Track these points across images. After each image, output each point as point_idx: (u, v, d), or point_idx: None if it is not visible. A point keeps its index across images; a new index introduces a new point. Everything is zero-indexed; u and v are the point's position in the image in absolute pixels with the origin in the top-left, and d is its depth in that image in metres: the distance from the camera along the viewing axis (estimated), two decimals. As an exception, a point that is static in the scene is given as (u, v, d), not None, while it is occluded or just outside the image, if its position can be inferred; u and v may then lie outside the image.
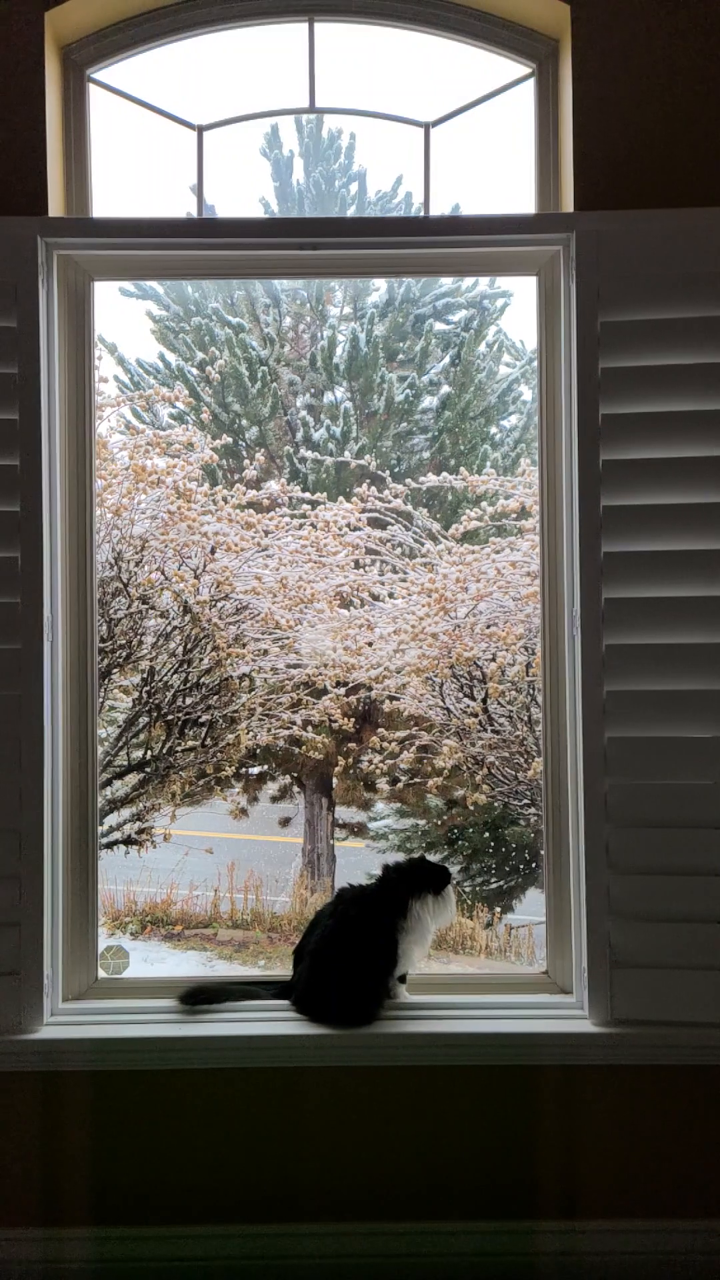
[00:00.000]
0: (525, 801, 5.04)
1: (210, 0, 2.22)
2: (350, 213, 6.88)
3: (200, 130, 2.30)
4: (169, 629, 4.90)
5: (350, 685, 5.17)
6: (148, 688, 4.93)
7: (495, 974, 2.40)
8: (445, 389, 6.57)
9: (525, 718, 4.89)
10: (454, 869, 2.65)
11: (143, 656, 4.90)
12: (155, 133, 2.32)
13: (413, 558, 5.23)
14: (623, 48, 2.09)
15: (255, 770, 6.06)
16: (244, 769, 5.85)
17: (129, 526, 4.72)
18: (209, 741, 5.08)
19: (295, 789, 6.25)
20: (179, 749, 5.04)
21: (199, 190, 2.35)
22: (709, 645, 2.01)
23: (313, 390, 6.56)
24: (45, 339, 2.05)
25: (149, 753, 5.05)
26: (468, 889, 5.80)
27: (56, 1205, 2.05)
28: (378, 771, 5.40)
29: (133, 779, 5.07)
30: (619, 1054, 2.03)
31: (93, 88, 2.24)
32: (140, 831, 5.09)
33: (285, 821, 6.41)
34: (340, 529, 5.19)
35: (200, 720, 5.03)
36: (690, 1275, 2.04)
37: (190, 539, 4.82)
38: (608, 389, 2.02)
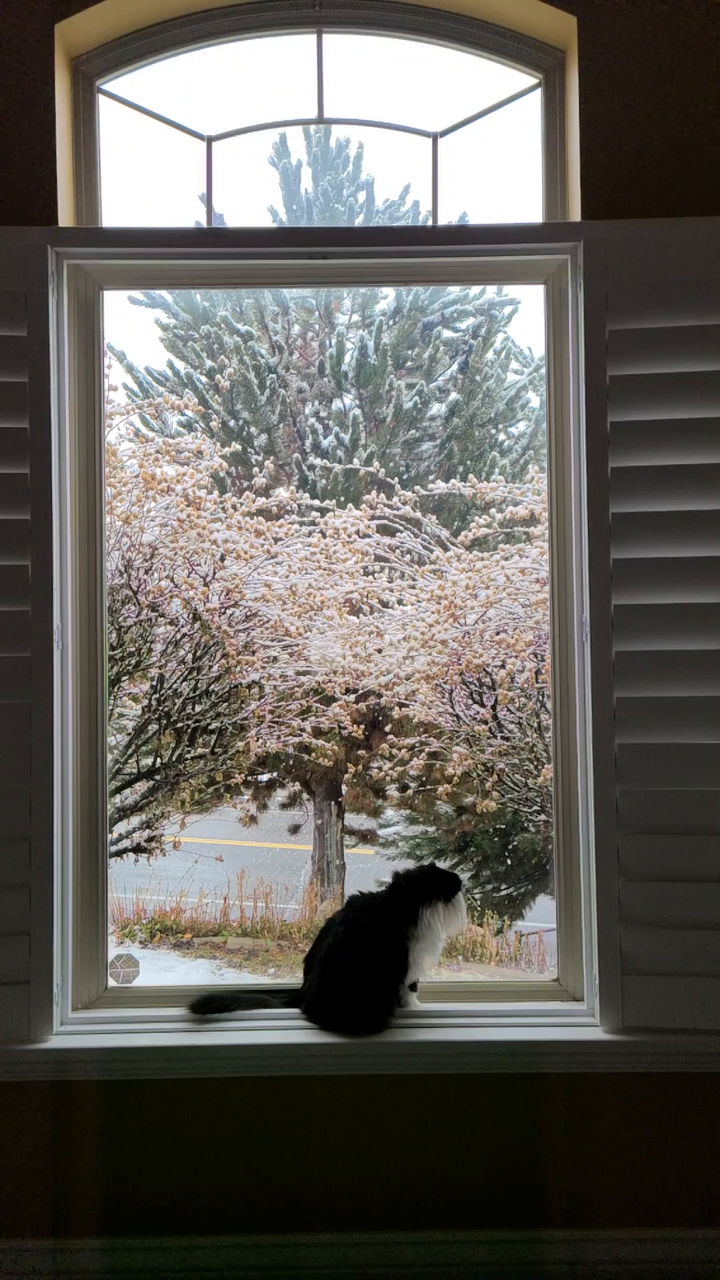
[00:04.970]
0: (535, 808, 5.03)
1: (219, 12, 2.23)
2: (358, 221, 6.90)
3: (209, 140, 2.32)
4: (178, 636, 4.91)
5: (360, 692, 5.17)
6: (157, 695, 4.94)
7: (506, 981, 2.39)
8: (454, 396, 6.57)
9: (535, 724, 4.88)
10: (464, 876, 2.64)
11: (152, 664, 4.91)
12: (164, 143, 2.34)
13: (422, 564, 5.23)
14: (629, 57, 2.09)
15: (265, 777, 6.05)
16: (253, 776, 5.84)
17: (138, 534, 4.73)
18: (218, 749, 5.08)
19: (305, 796, 6.24)
20: (188, 756, 5.04)
21: (208, 200, 2.36)
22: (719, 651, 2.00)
23: (321, 398, 6.57)
24: (55, 348, 2.07)
25: (158, 760, 5.06)
26: (478, 896, 5.79)
27: (66, 1215, 2.04)
28: (387, 778, 5.39)
29: (142, 786, 5.08)
30: (630, 1062, 2.02)
31: (102, 99, 2.26)
32: (150, 839, 5.10)
33: (295, 829, 6.41)
34: (349, 536, 5.20)
35: (210, 728, 5.04)
36: (704, 1287, 2.03)
37: (200, 546, 4.83)
38: (616, 396, 2.02)
